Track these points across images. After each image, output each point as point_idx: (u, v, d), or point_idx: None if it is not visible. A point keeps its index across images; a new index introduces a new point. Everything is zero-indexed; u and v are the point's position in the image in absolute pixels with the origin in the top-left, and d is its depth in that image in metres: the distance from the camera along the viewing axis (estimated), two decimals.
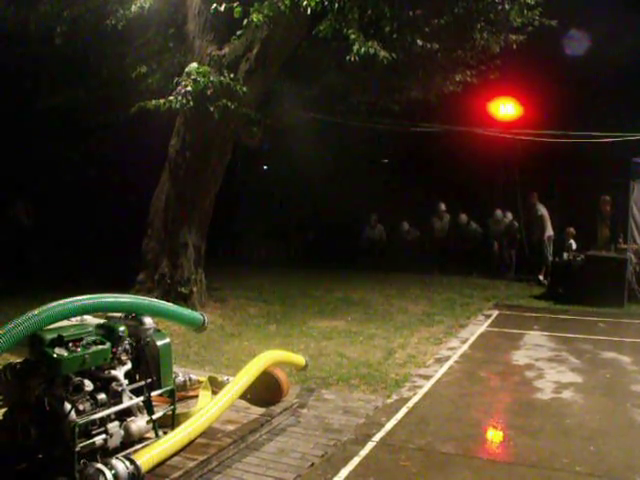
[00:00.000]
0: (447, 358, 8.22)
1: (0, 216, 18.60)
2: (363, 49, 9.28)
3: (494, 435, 5.86)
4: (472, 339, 9.42)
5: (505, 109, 16.03)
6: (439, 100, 13.84)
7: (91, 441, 4.37)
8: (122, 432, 4.59)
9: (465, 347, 8.89)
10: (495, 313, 11.61)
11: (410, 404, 6.37)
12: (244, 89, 10.08)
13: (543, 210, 15.47)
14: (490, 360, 8.28)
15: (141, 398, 4.83)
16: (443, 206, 17.87)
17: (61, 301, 4.66)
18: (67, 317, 4.70)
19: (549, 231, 15.45)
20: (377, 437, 5.47)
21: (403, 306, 12.06)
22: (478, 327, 10.32)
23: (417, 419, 5.99)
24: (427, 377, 7.35)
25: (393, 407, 6.27)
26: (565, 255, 13.84)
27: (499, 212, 17.08)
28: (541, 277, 15.17)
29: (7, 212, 18.60)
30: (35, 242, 16.77)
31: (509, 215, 17.12)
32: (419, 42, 10.19)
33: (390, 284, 14.63)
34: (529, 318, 11.29)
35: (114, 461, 4.09)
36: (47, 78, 13.92)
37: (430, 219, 18.20)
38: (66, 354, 4.37)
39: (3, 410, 4.87)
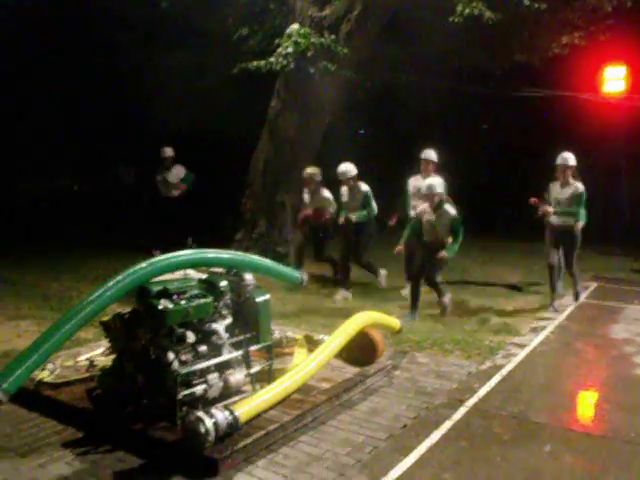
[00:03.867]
0: (543, 328, 8.07)
1: (106, 176, 19.52)
2: (467, 10, 9.09)
3: (589, 408, 5.76)
4: (569, 310, 9.20)
5: (615, 74, 15.20)
6: (543, 64, 13.36)
7: (192, 390, 4.57)
8: (221, 384, 4.77)
9: (562, 318, 8.71)
10: (593, 285, 11.28)
11: (504, 372, 6.32)
12: (345, 50, 10.06)
13: None
14: (587, 332, 8.09)
15: (240, 352, 4.99)
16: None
17: (166, 255, 4.87)
18: (172, 270, 4.90)
19: None
20: (470, 402, 5.46)
21: (499, 273, 11.89)
22: None
23: (510, 387, 5.94)
24: (522, 346, 7.25)
25: (486, 374, 6.23)
26: None
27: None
28: None
29: (111, 172, 19.53)
30: (138, 200, 17.43)
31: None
32: (525, 2, 9.83)
33: (487, 251, 14.41)
34: (629, 292, 10.89)
35: (214, 410, 4.24)
36: (152, 41, 14.31)
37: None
38: (171, 306, 4.57)
39: (112, 357, 5.16)
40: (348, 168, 9.52)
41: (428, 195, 8.22)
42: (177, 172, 12.16)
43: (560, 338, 7.73)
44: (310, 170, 9.90)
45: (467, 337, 7.48)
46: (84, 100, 17.64)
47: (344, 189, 9.63)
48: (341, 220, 9.44)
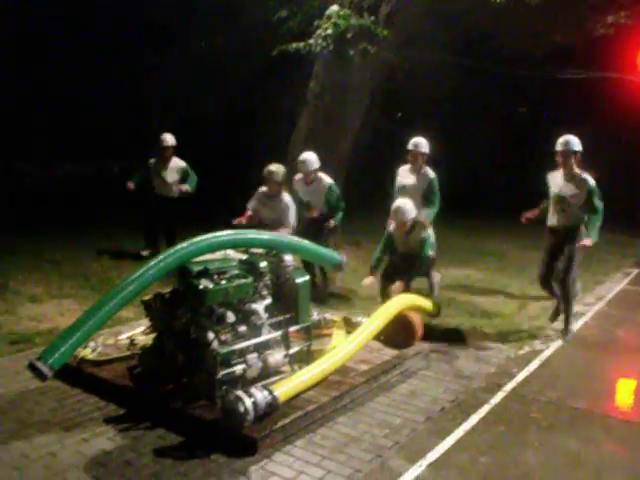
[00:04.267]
0: (582, 314, 7.98)
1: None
2: None
3: (628, 395, 5.68)
4: (609, 296, 9.09)
5: None
6: (586, 45, 13.06)
7: (231, 370, 4.61)
8: (260, 364, 4.79)
9: (601, 304, 8.61)
10: (635, 271, 11.11)
11: (542, 357, 6.28)
12: (385, 32, 9.98)
13: None
14: (628, 319, 7.98)
15: (279, 332, 5.00)
16: None
17: (206, 235, 4.90)
18: (212, 251, 4.94)
19: None
20: (508, 387, 5.44)
21: (538, 258, 11.70)
22: (616, 285, 9.94)
23: (549, 372, 5.90)
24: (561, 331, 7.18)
25: (525, 359, 6.20)
26: None
27: None
28: None
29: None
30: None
31: None
32: None
33: (525, 235, 14.21)
34: None
35: (253, 389, 4.27)
36: (193, 24, 14.38)
37: None
38: (211, 286, 4.60)
39: (153, 336, 5.23)
40: (310, 158, 7.94)
41: (400, 221, 6.90)
42: (176, 167, 9.86)
43: (600, 324, 7.64)
44: (273, 167, 7.64)
45: (505, 321, 7.45)
46: (127, 82, 17.82)
47: (299, 181, 8.12)
48: (315, 213, 7.98)
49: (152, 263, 4.50)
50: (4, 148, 16.22)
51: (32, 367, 3.95)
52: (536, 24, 11.99)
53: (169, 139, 9.79)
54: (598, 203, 6.50)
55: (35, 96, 17.06)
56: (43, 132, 18.31)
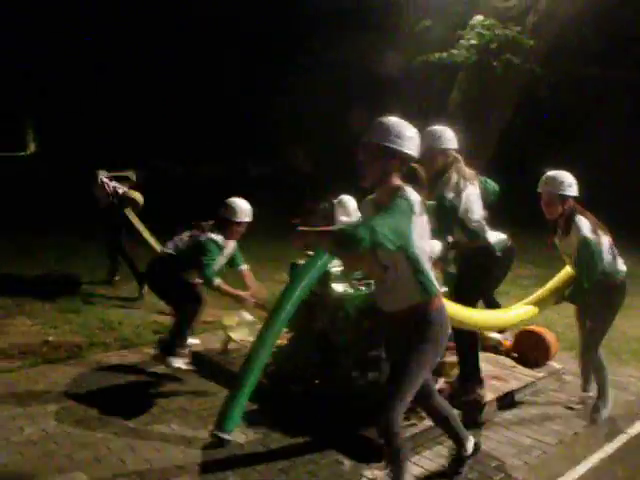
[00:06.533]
0: None
1: (282, 161, 20.18)
2: None
3: None
4: None
5: None
6: None
7: (365, 376, 4.70)
8: None
9: None
10: None
11: None
12: (530, 43, 9.75)
13: None
14: None
15: None
16: None
17: None
18: None
19: None
20: None
21: None
22: None
23: None
24: None
25: None
26: None
27: None
28: None
29: (288, 159, 20.13)
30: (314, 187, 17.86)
31: None
32: None
33: None
34: None
35: None
36: (323, 30, 14.63)
37: None
38: (351, 291, 4.74)
39: (289, 335, 5.38)
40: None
41: None
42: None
43: None
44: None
45: None
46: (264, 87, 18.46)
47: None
48: None
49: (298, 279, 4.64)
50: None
51: (216, 438, 4.22)
52: None
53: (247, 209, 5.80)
54: None
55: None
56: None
